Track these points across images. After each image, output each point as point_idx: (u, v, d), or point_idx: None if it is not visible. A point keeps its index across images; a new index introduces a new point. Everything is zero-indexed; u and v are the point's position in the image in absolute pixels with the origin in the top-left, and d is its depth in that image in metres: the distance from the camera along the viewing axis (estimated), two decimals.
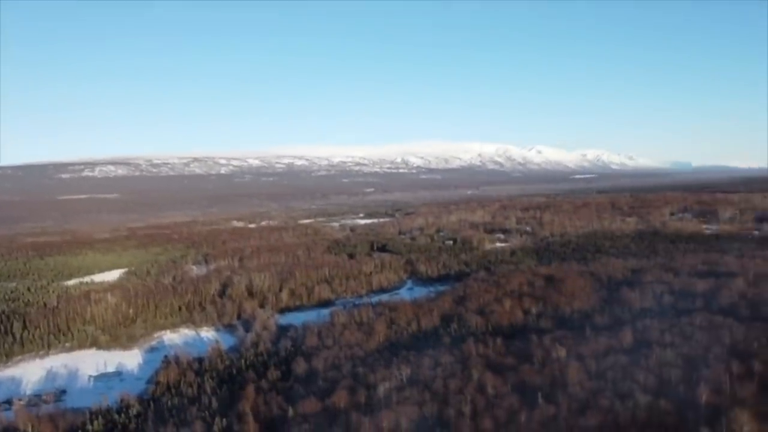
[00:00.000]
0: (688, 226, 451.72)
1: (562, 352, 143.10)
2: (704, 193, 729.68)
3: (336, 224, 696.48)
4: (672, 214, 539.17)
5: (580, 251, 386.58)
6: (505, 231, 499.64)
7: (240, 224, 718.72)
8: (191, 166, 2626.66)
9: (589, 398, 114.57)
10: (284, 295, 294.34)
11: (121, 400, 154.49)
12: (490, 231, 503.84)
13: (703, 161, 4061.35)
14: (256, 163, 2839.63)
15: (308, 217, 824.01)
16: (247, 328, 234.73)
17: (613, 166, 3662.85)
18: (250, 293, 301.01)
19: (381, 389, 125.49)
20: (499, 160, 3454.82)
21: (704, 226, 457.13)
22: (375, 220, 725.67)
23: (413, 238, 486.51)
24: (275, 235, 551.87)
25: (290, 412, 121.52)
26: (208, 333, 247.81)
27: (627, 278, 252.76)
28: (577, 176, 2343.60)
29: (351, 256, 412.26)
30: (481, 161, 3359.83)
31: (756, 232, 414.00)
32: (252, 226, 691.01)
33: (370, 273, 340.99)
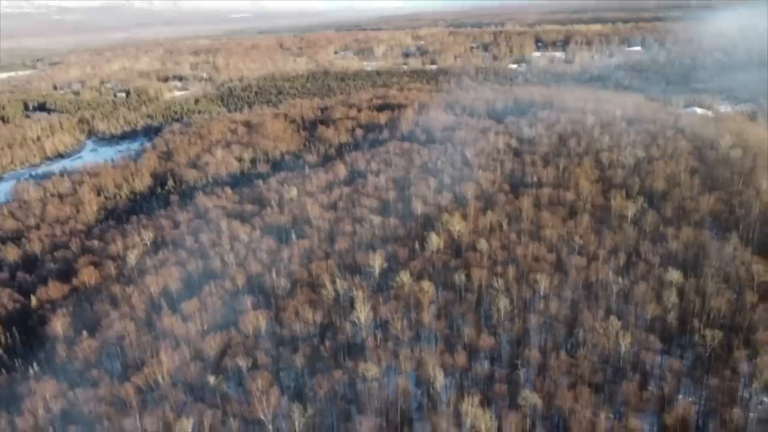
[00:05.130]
0: (352, 64, 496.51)
1: (293, 193, 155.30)
2: (359, 31, 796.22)
3: None
4: (336, 52, 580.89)
5: (264, 94, 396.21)
6: (180, 78, 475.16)
7: None
8: None
9: (332, 227, 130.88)
10: None
11: None
12: (165, 79, 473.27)
13: None
14: None
15: None
16: None
17: (266, 5, 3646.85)
18: None
19: (131, 258, 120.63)
20: None
21: (364, 63, 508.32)
22: (13, 74, 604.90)
23: (76, 93, 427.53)
24: None
25: (33, 301, 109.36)
26: None
27: (318, 117, 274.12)
28: (235, 16, 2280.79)
29: (2, 119, 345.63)
30: None
31: (405, 66, 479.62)
32: None
33: (39, 138, 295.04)
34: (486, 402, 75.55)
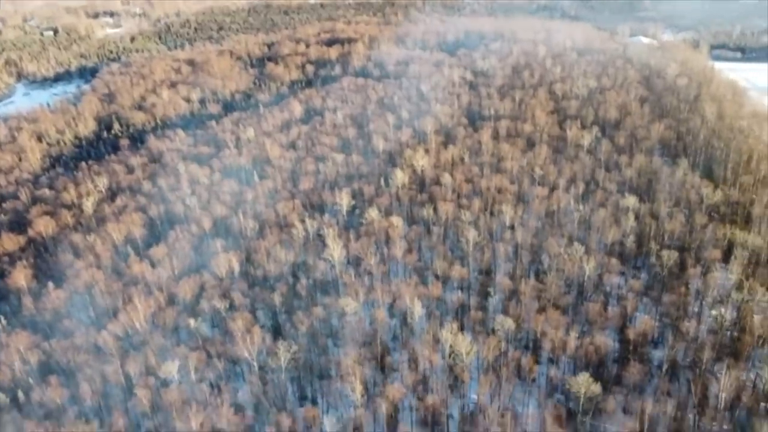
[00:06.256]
0: None
1: (249, 133, 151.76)
2: None
3: None
4: None
5: (204, 30, 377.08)
6: (112, 14, 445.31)
7: None
8: None
9: (294, 167, 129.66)
10: None
11: None
12: (94, 15, 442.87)
13: None
14: None
15: None
16: None
17: None
18: None
19: (88, 205, 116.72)
20: None
21: None
22: None
23: None
24: None
25: None
26: None
27: (265, 54, 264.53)
28: None
29: None
30: None
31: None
32: None
33: None
34: (461, 328, 79.04)
